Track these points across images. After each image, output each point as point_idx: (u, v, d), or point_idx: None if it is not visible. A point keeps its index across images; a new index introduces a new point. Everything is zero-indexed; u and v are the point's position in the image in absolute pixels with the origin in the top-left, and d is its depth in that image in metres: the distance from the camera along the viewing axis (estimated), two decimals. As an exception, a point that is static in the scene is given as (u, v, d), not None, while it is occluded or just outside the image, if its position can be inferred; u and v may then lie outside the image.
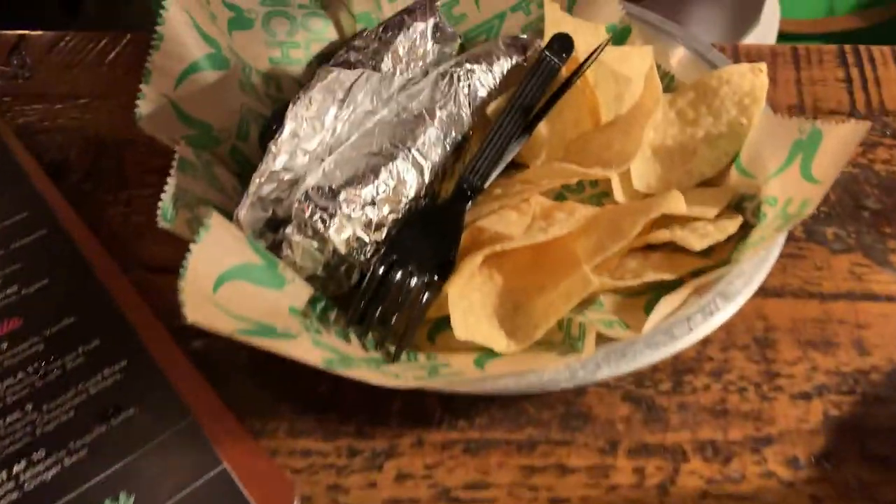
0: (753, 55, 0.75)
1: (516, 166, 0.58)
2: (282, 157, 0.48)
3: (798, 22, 1.41)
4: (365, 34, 0.53)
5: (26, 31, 0.81)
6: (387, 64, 0.50)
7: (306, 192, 0.47)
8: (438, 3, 0.55)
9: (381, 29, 0.51)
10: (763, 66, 0.59)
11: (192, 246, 0.41)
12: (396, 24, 0.51)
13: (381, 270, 0.47)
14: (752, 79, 0.59)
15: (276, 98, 0.65)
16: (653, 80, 0.52)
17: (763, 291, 0.51)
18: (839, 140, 0.49)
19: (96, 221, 0.62)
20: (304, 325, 0.44)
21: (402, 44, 0.51)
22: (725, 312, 0.47)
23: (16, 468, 0.45)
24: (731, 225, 0.50)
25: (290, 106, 0.48)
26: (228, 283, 0.42)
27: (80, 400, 0.48)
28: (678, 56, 0.67)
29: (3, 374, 0.50)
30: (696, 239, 0.48)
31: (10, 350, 0.51)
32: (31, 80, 0.76)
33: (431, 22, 0.53)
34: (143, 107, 0.54)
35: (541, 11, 0.69)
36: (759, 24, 1.03)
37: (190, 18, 0.54)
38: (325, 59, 0.70)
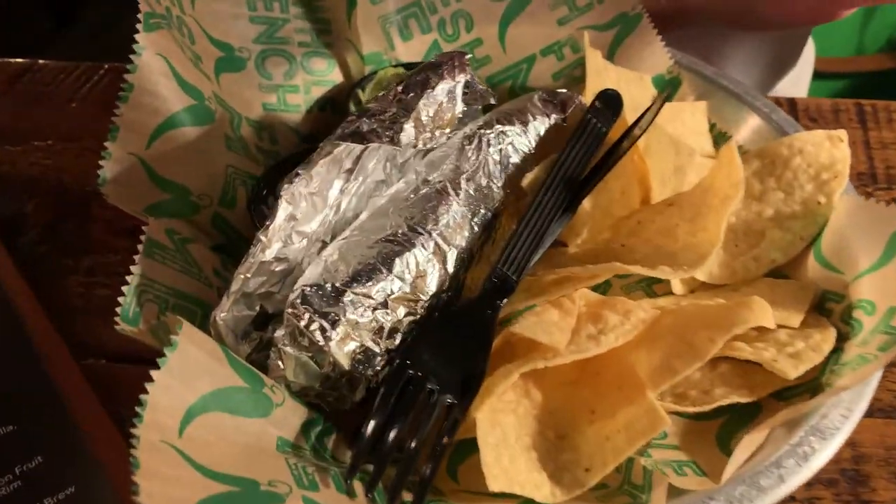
0: (813, 111, 0.66)
1: (552, 244, 0.49)
2: (274, 246, 0.39)
3: (830, 60, 1.34)
4: (381, 95, 0.44)
5: (-10, 58, 0.72)
6: (408, 134, 0.41)
7: (302, 291, 0.37)
8: (468, 57, 0.46)
9: (400, 88, 0.42)
10: (843, 134, 0.50)
11: (153, 374, 0.32)
12: (419, 83, 0.42)
13: (395, 390, 0.38)
14: (831, 149, 0.50)
15: (268, 152, 0.55)
16: (731, 160, 0.43)
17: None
18: (956, 239, 0.40)
19: (51, 293, 0.52)
20: (295, 473, 0.34)
21: (425, 108, 0.41)
22: (823, 454, 0.38)
23: None
24: (825, 341, 0.41)
25: (286, 185, 0.39)
26: (201, 418, 0.33)
27: (12, 543, 0.39)
28: (737, 115, 0.58)
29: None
30: (788, 362, 0.39)
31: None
32: (-11, 116, 0.67)
33: (462, 79, 0.44)
34: (109, 168, 0.45)
35: (575, 56, 0.61)
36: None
37: (167, 65, 0.45)
38: (327, 105, 0.61)
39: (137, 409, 0.31)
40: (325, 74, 0.59)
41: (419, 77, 0.43)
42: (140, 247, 0.40)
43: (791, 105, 0.67)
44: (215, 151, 0.48)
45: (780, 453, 0.38)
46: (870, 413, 0.46)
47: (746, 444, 0.38)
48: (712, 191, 0.44)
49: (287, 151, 0.57)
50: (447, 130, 0.43)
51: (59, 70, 0.70)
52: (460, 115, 0.44)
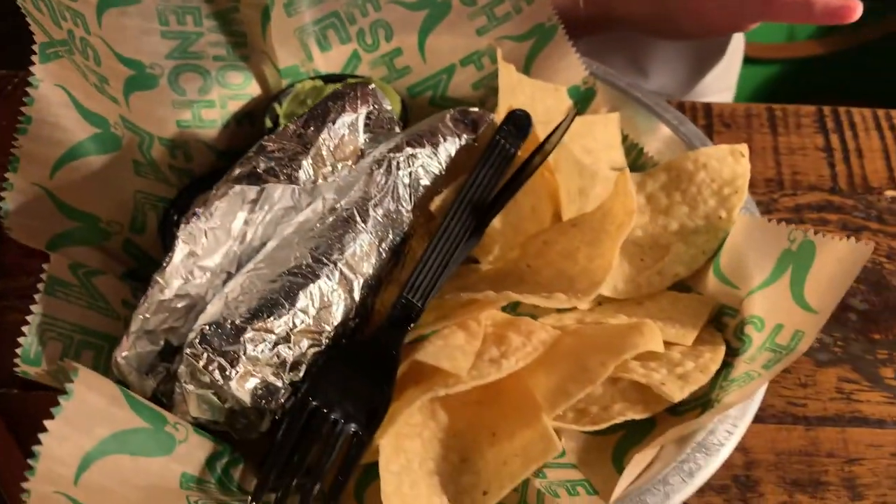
0: (727, 116, 0.68)
1: (465, 260, 0.50)
2: (173, 284, 0.39)
3: (760, 46, 1.37)
4: (280, 130, 0.44)
5: None
6: (306, 171, 0.41)
7: (201, 330, 0.38)
8: (372, 87, 0.46)
9: (301, 122, 0.42)
10: (744, 149, 0.52)
11: (47, 423, 0.32)
12: (319, 115, 0.42)
13: (297, 423, 0.39)
14: (733, 164, 0.51)
15: (183, 170, 0.55)
16: (625, 188, 0.45)
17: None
18: (837, 260, 0.42)
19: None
20: None
21: (326, 142, 0.42)
22: (707, 470, 0.40)
23: None
24: (713, 361, 0.43)
25: (182, 225, 0.39)
26: (99, 463, 0.34)
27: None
28: (648, 126, 0.60)
29: None
30: (675, 385, 0.41)
31: None
32: None
33: (363, 111, 0.44)
34: (12, 199, 0.44)
35: (495, 66, 0.61)
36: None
37: (67, 95, 0.44)
38: (244, 119, 0.61)
39: (30, 461, 0.31)
40: (242, 88, 0.59)
41: (319, 110, 0.43)
42: (40, 285, 0.40)
43: (707, 111, 0.68)
44: (122, 178, 0.48)
45: (668, 470, 0.40)
46: (761, 419, 0.48)
47: (636, 462, 0.40)
48: (610, 216, 0.45)
49: (202, 168, 0.57)
50: (349, 163, 0.44)
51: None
52: (363, 147, 0.45)
